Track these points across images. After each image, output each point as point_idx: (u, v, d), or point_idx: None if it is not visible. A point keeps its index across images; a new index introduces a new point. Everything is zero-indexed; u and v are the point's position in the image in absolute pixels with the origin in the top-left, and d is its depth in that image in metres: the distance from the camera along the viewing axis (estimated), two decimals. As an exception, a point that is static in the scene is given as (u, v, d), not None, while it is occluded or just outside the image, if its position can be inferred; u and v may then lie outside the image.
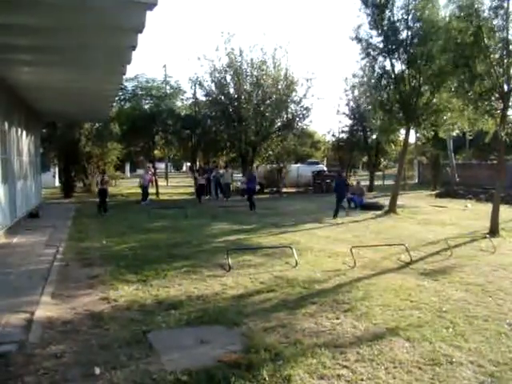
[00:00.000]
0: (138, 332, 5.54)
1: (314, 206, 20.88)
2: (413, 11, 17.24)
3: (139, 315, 6.17)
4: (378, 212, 18.15)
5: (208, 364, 4.66)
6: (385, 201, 19.66)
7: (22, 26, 7.81)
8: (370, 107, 25.94)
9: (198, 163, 29.77)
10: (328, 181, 28.83)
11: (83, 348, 5.15)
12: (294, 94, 27.50)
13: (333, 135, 33.54)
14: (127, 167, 52.62)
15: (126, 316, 6.15)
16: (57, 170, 31.49)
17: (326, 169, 32.93)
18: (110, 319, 6.02)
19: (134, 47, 8.58)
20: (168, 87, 29.23)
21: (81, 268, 8.88)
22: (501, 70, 12.91)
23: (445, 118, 18.27)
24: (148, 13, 6.94)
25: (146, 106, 28.32)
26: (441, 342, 5.27)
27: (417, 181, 38.78)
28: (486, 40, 12.94)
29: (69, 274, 8.39)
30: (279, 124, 28.27)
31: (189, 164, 30.00)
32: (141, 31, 7.57)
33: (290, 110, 28.13)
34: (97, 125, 29.01)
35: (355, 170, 35.48)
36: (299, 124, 28.76)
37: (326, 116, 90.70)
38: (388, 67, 18.20)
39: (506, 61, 12.82)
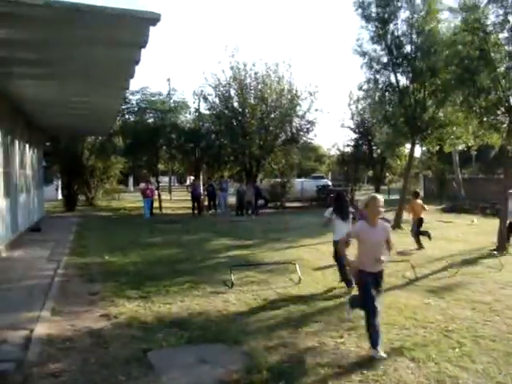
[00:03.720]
0: (138, 350, 5.47)
1: (319, 220, 20.68)
2: (416, 25, 17.21)
3: (140, 332, 6.13)
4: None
5: (208, 384, 4.75)
6: (390, 216, 19.50)
7: (24, 39, 7.80)
8: (374, 121, 26.01)
9: (201, 176, 29.32)
10: (333, 195, 28.73)
11: (82, 366, 5.10)
12: (297, 107, 27.56)
13: (338, 149, 33.61)
14: (130, 181, 52.53)
15: (127, 333, 6.10)
16: (60, 183, 31.59)
17: (330, 183, 32.85)
18: (109, 337, 5.97)
19: (137, 62, 8.61)
20: (172, 101, 29.09)
21: (82, 284, 8.84)
22: (507, 84, 12.80)
23: (450, 132, 18.18)
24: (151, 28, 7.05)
25: (150, 120, 28.36)
26: (447, 363, 5.17)
27: (422, 196, 39.53)
28: (491, 53, 12.83)
29: (70, 290, 8.33)
30: (283, 138, 28.27)
31: (192, 178, 30.12)
32: (144, 46, 7.61)
33: (294, 123, 28.17)
34: (100, 138, 29.06)
35: (360, 185, 35.39)
36: (303, 138, 28.73)
37: (331, 130, 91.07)
38: (392, 81, 18.24)
39: None
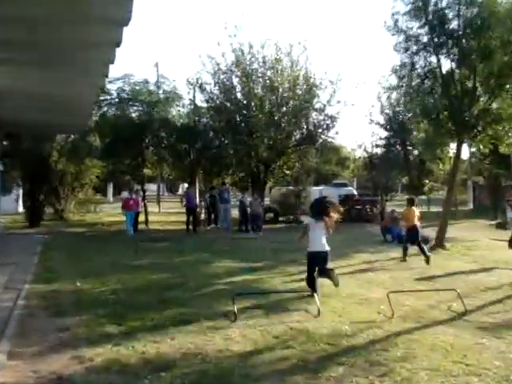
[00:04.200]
0: (119, 402, 5.54)
1: (341, 238, 20.56)
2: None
3: (120, 379, 6.04)
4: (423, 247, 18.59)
5: None
6: (430, 232, 19.36)
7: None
8: (410, 115, 25.85)
9: (197, 184, 29.30)
10: (359, 207, 28.82)
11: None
12: (315, 99, 27.58)
13: (364, 150, 33.47)
14: (110, 189, 52.71)
15: (103, 381, 6.01)
16: (21, 192, 31.22)
17: (355, 192, 32.73)
18: (82, 384, 6.20)
19: (118, 44, 8.67)
20: (161, 91, 29.19)
21: (49, 317, 8.76)
22: None
23: (507, 128, 18.14)
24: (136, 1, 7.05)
25: (134, 114, 28.44)
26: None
27: (471, 207, 38.53)
28: None
29: (32, 326, 8.23)
30: (298, 136, 28.29)
31: (186, 185, 30.26)
32: (126, 24, 7.66)
33: (310, 119, 28.14)
34: (72, 137, 28.99)
35: (392, 194, 35.16)
36: (322, 136, 28.64)
37: (356, 127, 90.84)
38: (434, 65, 18.11)
39: None
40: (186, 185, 32.08)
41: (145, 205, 27.01)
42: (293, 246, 18.41)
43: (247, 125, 26.43)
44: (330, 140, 30.00)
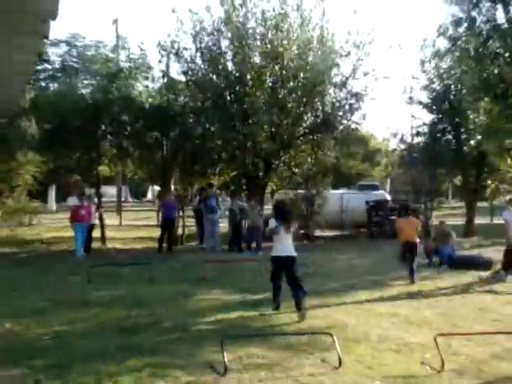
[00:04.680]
0: None
1: (372, 260, 20.98)
2: None
3: None
4: (483, 273, 17.89)
5: None
6: (494, 253, 19.47)
7: None
8: (466, 91, 25.65)
9: (172, 187, 29.56)
10: (394, 217, 28.87)
11: None
12: (334, 71, 27.51)
13: (401, 140, 33.77)
14: (51, 194, 52.50)
15: None
16: None
17: (389, 197, 33.05)
18: None
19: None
20: (123, 59, 28.86)
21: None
22: None
23: None
24: None
25: (85, 91, 28.18)
26: None
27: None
28: None
29: None
30: (310, 122, 28.28)
31: (158, 188, 30.29)
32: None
33: (327, 97, 28.13)
34: (-3, 121, 30.61)
35: (440, 200, 35.24)
36: (343, 122, 28.66)
37: (390, 108, 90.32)
38: (501, 20, 18.13)
39: None
40: (156, 188, 31.97)
41: (100, 215, 26.87)
42: (303, 271, 17.96)
43: (241, 106, 26.41)
44: (353, 127, 29.91)
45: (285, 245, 12.06)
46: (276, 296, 12.33)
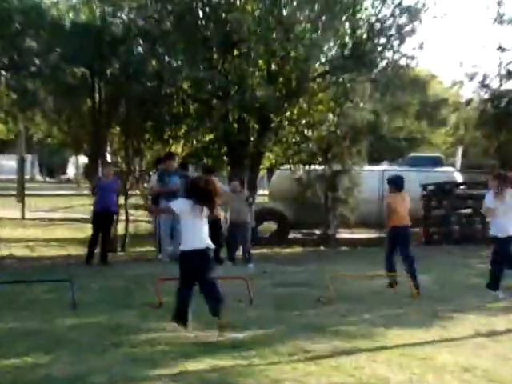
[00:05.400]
0: None
1: (428, 279, 20.57)
2: None
3: None
4: None
5: None
6: None
7: None
8: None
9: (109, 158, 27.37)
10: (467, 211, 28.06)
11: None
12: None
13: (483, 85, 33.17)
14: None
15: None
16: None
17: (459, 177, 32.00)
18: None
19: None
20: None
21: None
22: None
23: None
24: None
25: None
26: None
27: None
28: None
29: None
30: (332, 54, 27.23)
31: (85, 161, 30.37)
32: None
33: (360, 15, 26.74)
34: None
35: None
36: (387, 54, 26.99)
37: (465, 35, 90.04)
38: None
39: None
40: (82, 159, 32.05)
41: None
42: (316, 292, 18.66)
43: (221, 27, 24.82)
44: (403, 62, 28.20)
45: (197, 233, 13.05)
46: (185, 313, 13.08)
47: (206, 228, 13.15)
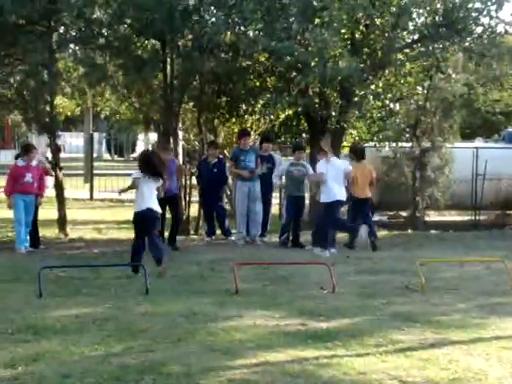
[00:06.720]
0: None
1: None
2: None
3: None
4: None
5: None
6: None
7: None
8: None
9: (180, 139, 26.71)
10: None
11: None
12: None
13: None
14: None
15: None
16: None
17: None
18: None
19: None
20: None
21: None
22: None
23: None
24: None
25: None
26: None
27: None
28: None
29: None
30: (422, 22, 25.84)
31: (154, 138, 29.55)
32: None
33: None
34: None
35: None
36: (482, 19, 25.41)
37: None
38: None
39: None
40: (152, 137, 31.06)
41: (58, 183, 26.35)
42: (404, 279, 18.93)
43: None
44: (500, 29, 26.62)
45: (151, 196, 16.72)
46: (138, 257, 17.04)
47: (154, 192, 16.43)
